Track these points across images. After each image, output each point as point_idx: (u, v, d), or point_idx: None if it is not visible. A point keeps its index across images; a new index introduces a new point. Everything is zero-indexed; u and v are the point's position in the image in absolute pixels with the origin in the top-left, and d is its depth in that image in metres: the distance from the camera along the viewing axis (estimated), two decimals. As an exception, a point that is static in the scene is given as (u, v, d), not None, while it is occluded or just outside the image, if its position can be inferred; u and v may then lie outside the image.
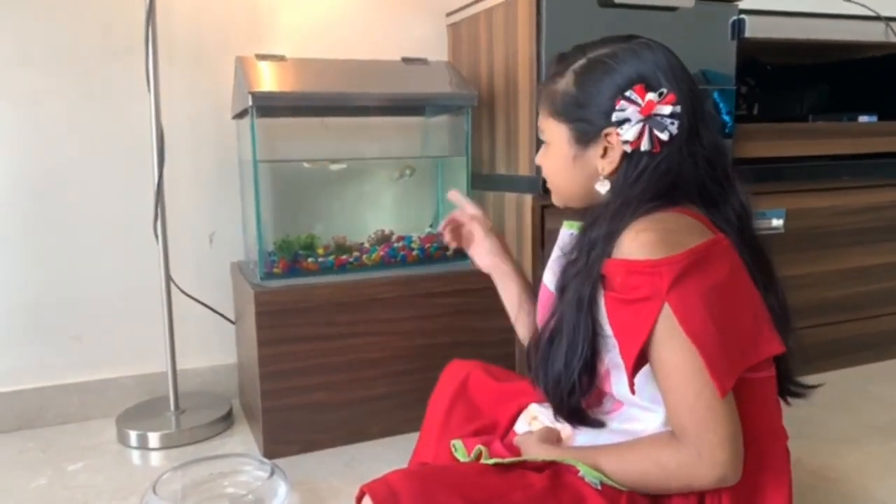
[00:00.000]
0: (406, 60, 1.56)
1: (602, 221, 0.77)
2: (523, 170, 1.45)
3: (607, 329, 0.77)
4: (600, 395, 0.83)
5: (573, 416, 0.81)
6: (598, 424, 0.81)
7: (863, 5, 1.71)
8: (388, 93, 1.48)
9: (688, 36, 1.49)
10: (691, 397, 0.71)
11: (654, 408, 0.78)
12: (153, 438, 1.41)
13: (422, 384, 1.36)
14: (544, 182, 0.92)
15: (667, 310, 0.70)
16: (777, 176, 1.61)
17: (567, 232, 0.87)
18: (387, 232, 1.58)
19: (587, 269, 0.77)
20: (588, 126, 0.81)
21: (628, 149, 0.78)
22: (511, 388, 1.01)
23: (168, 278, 1.48)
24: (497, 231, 1.07)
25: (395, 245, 1.52)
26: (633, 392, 0.75)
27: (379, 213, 1.69)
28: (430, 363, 1.39)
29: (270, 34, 1.65)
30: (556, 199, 0.90)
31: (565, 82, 0.82)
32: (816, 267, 1.69)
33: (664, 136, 0.77)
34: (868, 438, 1.33)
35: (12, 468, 1.33)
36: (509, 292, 1.04)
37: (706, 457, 0.70)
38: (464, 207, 1.08)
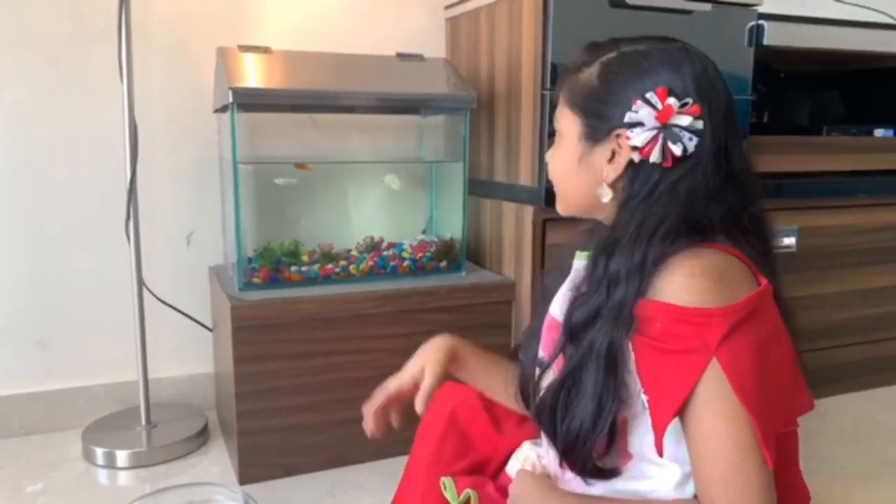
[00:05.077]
0: (401, 56, 1.46)
1: (623, 248, 0.68)
2: (525, 179, 1.35)
3: (629, 378, 0.69)
4: (606, 448, 0.76)
5: (591, 473, 0.72)
6: (614, 474, 0.73)
7: (884, 13, 1.63)
8: (381, 92, 1.39)
9: (703, 41, 1.38)
10: (729, 468, 0.62)
11: (671, 465, 0.70)
12: (121, 457, 1.32)
13: (410, 406, 1.28)
14: (547, 192, 0.83)
15: (714, 365, 0.62)
16: (789, 192, 1.53)
17: (582, 263, 0.79)
18: (376, 239, 1.49)
19: (614, 311, 0.67)
20: (600, 123, 0.73)
21: (636, 157, 0.70)
22: (507, 419, 0.93)
23: (140, 281, 1.38)
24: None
25: (385, 254, 1.43)
26: (661, 454, 0.67)
27: (368, 217, 1.59)
28: (420, 384, 1.31)
29: (255, 23, 1.54)
30: (559, 205, 0.81)
31: (590, 73, 0.74)
32: (825, 288, 1.62)
33: (677, 151, 0.68)
34: (879, 476, 1.26)
35: (-34, 487, 1.23)
36: (491, 381, 0.93)
37: None
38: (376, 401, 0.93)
